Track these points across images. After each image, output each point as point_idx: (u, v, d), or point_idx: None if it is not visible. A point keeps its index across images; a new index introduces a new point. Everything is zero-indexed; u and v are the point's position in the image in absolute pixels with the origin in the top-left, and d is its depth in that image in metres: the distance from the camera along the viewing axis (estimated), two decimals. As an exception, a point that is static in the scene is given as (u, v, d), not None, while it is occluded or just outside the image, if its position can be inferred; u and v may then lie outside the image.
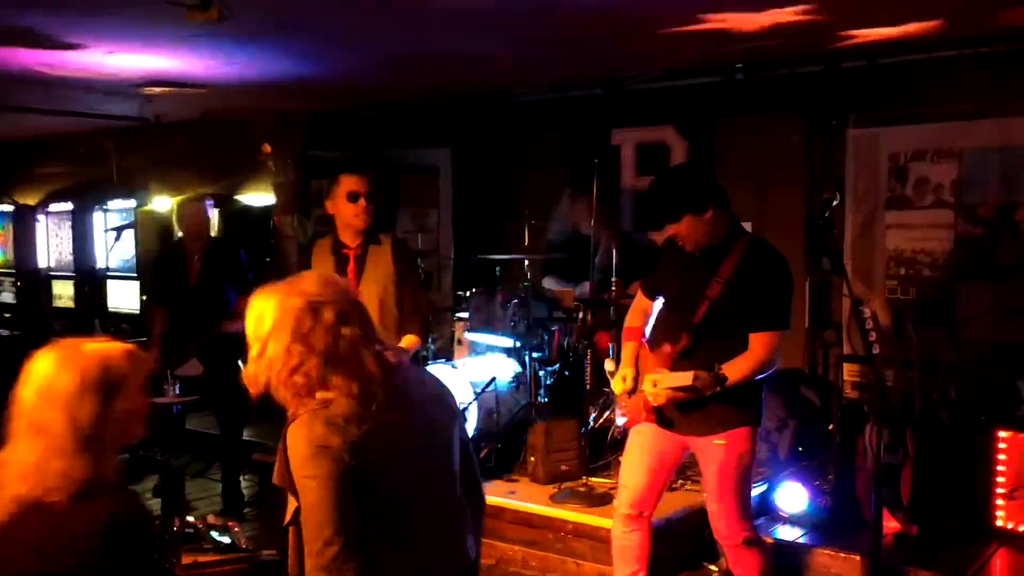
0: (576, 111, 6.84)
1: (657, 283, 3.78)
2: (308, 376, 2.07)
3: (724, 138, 6.29)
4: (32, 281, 9.87)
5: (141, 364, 2.19)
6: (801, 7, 4.33)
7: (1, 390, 2.16)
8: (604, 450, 5.10)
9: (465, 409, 5.13)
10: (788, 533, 4.65)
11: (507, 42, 5.15)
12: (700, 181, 3.57)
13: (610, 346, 5.23)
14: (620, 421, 3.85)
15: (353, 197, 4.23)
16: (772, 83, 5.98)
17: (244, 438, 6.49)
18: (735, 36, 4.85)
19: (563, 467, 4.98)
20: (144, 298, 6.23)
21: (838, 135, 5.82)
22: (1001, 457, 4.64)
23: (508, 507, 4.76)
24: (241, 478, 6.03)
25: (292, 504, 2.11)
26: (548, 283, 6.15)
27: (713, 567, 4.53)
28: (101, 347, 2.14)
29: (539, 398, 5.32)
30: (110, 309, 8.54)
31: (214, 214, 8.43)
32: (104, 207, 9.34)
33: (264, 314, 2.10)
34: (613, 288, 5.34)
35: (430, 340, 5.86)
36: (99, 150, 9.63)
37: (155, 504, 5.53)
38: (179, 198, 6.79)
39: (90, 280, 9.26)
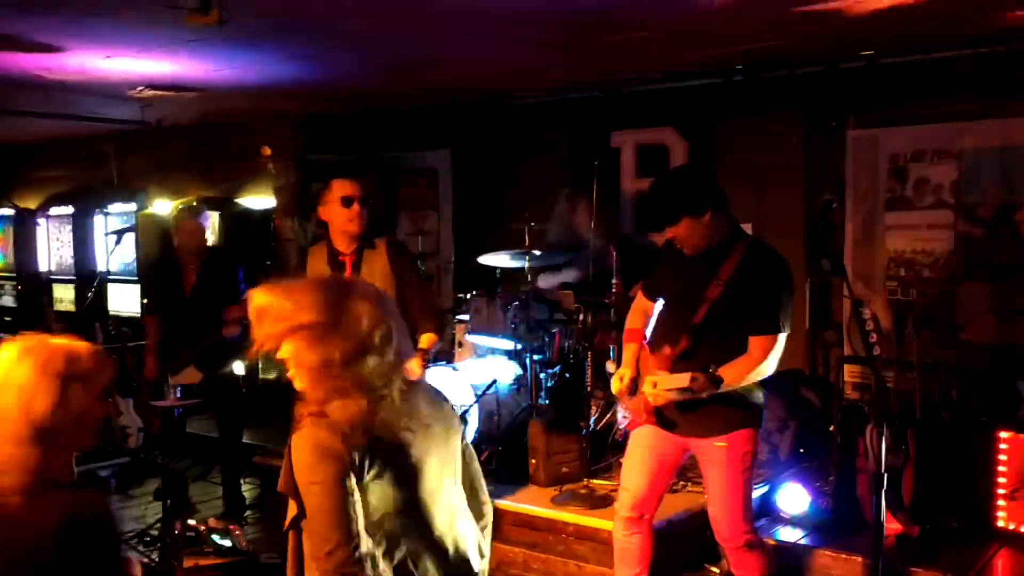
0: (575, 113, 6.85)
1: (657, 284, 3.78)
2: (338, 381, 2.07)
3: (724, 139, 6.29)
4: (33, 285, 9.87)
5: (104, 368, 2.18)
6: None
7: None
8: (605, 452, 5.10)
9: (466, 412, 5.13)
10: (789, 534, 4.65)
11: (507, 45, 5.15)
12: (698, 183, 3.57)
13: (611, 348, 5.23)
14: (623, 424, 3.84)
15: (347, 202, 4.14)
16: (772, 84, 5.98)
17: (244, 441, 6.50)
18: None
19: (564, 469, 4.98)
20: (145, 301, 6.23)
21: (838, 136, 5.82)
22: (1002, 458, 4.64)
23: (509, 509, 4.76)
24: (242, 481, 6.04)
25: (292, 509, 2.11)
26: (543, 282, 6.14)
27: (714, 568, 4.53)
28: (67, 342, 2.15)
29: (540, 400, 5.31)
30: (111, 312, 8.53)
31: (214, 218, 8.45)
32: (104, 210, 9.33)
33: (320, 305, 2.09)
34: (613, 290, 5.34)
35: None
36: (99, 153, 9.64)
37: (157, 508, 5.54)
38: (176, 208, 6.80)
39: (91, 283, 9.27)
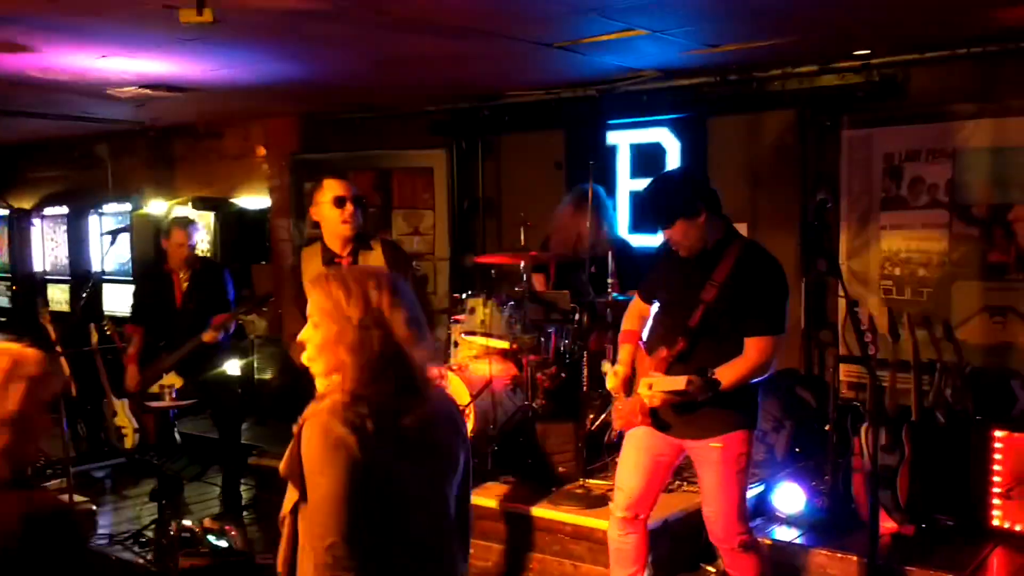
0: (570, 112, 6.84)
1: (653, 287, 3.79)
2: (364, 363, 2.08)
3: (718, 138, 6.30)
4: (28, 285, 9.85)
5: (50, 376, 2.17)
6: None
7: None
8: (601, 452, 5.10)
9: (458, 415, 5.11)
10: (785, 534, 4.65)
11: (500, 44, 5.15)
12: (692, 186, 3.58)
13: (607, 348, 5.23)
14: (617, 425, 3.84)
15: (339, 202, 4.06)
16: (766, 83, 5.98)
17: (241, 442, 6.49)
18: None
19: (560, 469, 4.98)
20: (130, 310, 6.26)
21: (832, 135, 5.83)
22: (997, 457, 4.66)
23: (505, 509, 4.76)
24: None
25: (292, 495, 2.09)
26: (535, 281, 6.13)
27: (711, 568, 4.53)
28: (16, 347, 2.14)
29: (536, 400, 5.31)
30: (106, 313, 8.51)
31: (208, 218, 8.45)
32: (99, 211, 9.32)
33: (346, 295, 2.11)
34: (609, 291, 5.34)
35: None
36: (94, 154, 9.62)
37: (152, 508, 5.54)
38: (167, 214, 6.80)
39: (86, 284, 9.25)
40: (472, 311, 5.56)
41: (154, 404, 5.51)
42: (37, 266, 9.96)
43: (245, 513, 5.85)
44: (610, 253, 5.25)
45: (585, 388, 5.01)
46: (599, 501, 4.62)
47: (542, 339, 5.51)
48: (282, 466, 2.11)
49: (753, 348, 3.43)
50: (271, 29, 4.77)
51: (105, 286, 8.83)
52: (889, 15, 4.62)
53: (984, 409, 5.00)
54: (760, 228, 5.83)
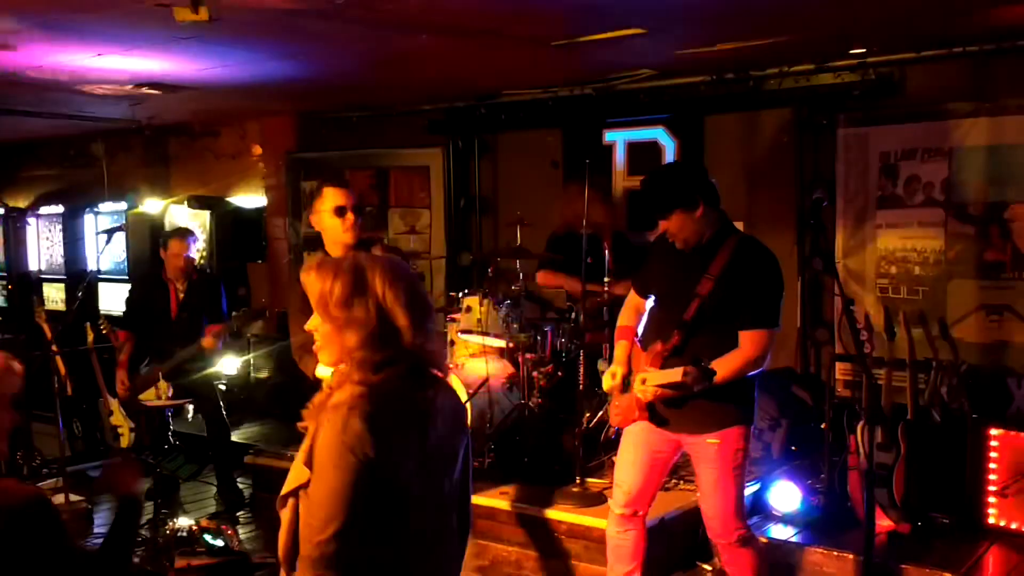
0: (567, 111, 6.84)
1: (648, 280, 3.79)
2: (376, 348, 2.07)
3: (715, 137, 6.30)
4: (23, 284, 9.83)
5: (10, 375, 2.16)
6: None
7: None
8: (598, 450, 5.10)
9: (462, 405, 5.11)
10: (781, 532, 4.66)
11: (497, 42, 5.15)
12: (692, 178, 3.58)
13: (603, 346, 5.23)
14: (614, 422, 3.84)
15: (340, 211, 3.97)
16: (762, 82, 5.99)
17: (237, 440, 6.50)
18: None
19: (557, 467, 4.99)
20: (123, 315, 6.30)
21: (828, 134, 5.83)
22: (992, 455, 4.67)
23: (502, 508, 4.76)
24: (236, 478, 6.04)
25: (299, 476, 2.05)
26: (541, 279, 6.12)
27: (706, 566, 4.54)
28: None
29: (532, 399, 5.31)
30: (101, 312, 8.50)
31: (204, 217, 8.44)
32: (95, 210, 9.31)
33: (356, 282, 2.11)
34: (605, 288, 5.34)
35: None
36: (89, 152, 9.60)
37: (148, 508, 5.52)
38: (165, 230, 6.83)
39: (81, 283, 9.24)
40: (468, 310, 5.56)
41: (148, 403, 5.53)
42: (32, 265, 9.94)
43: (241, 512, 5.85)
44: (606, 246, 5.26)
45: (582, 386, 5.01)
46: (596, 499, 4.62)
47: (538, 337, 5.51)
48: (300, 455, 2.08)
49: (748, 341, 3.43)
50: (267, 27, 4.76)
51: (101, 285, 8.82)
52: (885, 13, 4.62)
53: (980, 407, 5.01)
54: (756, 226, 5.83)
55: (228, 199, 8.73)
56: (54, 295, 9.63)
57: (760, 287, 3.47)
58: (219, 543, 4.70)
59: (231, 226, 8.55)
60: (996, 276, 5.30)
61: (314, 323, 2.15)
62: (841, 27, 4.92)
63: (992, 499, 4.66)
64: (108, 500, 6.06)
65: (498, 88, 6.93)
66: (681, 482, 4.84)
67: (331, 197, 3.98)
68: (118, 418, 5.93)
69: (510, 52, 5.42)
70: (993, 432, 4.67)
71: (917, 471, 4.61)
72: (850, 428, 4.72)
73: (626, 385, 3.65)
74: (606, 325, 5.28)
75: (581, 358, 4.99)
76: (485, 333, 5.46)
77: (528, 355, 5.36)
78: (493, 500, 4.78)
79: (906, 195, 5.58)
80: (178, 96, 6.71)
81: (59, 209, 9.67)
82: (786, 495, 4.80)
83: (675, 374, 3.34)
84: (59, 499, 5.42)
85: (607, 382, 3.68)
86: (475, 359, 5.50)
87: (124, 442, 5.99)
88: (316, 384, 2.24)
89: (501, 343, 5.45)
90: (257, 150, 8.52)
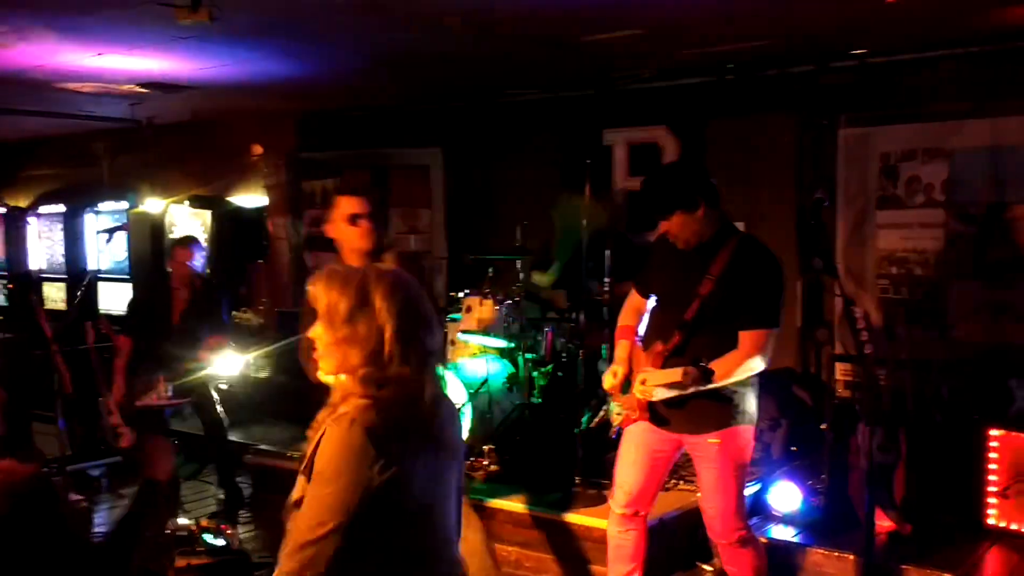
0: (568, 111, 6.84)
1: (649, 280, 3.79)
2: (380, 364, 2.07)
3: (715, 138, 6.30)
4: (24, 283, 9.83)
5: None
6: None
7: None
8: (598, 450, 5.10)
9: (459, 411, 5.11)
10: (782, 532, 4.65)
11: (497, 43, 5.15)
12: (693, 179, 3.57)
13: (603, 347, 5.23)
14: (615, 421, 3.84)
15: (353, 219, 3.96)
16: (763, 83, 5.98)
17: (238, 440, 6.51)
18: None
19: (556, 467, 4.98)
20: (124, 319, 6.30)
21: (829, 135, 5.83)
22: (993, 456, 4.66)
23: (502, 508, 4.76)
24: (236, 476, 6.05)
25: (305, 486, 2.06)
26: (536, 279, 6.14)
27: (707, 566, 4.53)
28: None
29: (532, 399, 5.31)
30: (101, 311, 8.50)
31: (205, 216, 8.44)
32: (95, 209, 9.31)
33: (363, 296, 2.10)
34: (606, 288, 5.34)
35: None
36: (90, 151, 9.60)
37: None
38: (172, 240, 6.86)
39: (82, 282, 9.24)
40: (469, 310, 5.56)
41: (145, 402, 5.52)
42: (33, 264, 9.94)
43: (242, 512, 5.86)
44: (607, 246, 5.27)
45: (581, 387, 5.01)
46: (596, 500, 4.62)
47: (539, 338, 5.52)
48: (304, 463, 2.07)
49: (748, 341, 3.43)
50: (267, 27, 4.77)
51: (101, 284, 8.82)
52: (886, 14, 4.62)
53: (980, 408, 5.00)
54: (757, 227, 5.81)
55: (229, 199, 8.73)
56: (54, 294, 9.64)
57: (760, 287, 3.47)
58: (219, 542, 4.70)
59: (231, 226, 8.54)
60: (996, 277, 5.30)
61: (316, 332, 2.14)
62: (842, 27, 4.92)
63: (993, 500, 4.66)
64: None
65: (499, 87, 6.93)
66: (681, 482, 4.84)
67: (344, 205, 3.98)
68: (117, 418, 5.93)
69: (511, 52, 5.42)
70: (994, 433, 4.67)
71: (917, 472, 4.61)
72: (850, 429, 4.72)
73: (627, 385, 3.65)
74: (606, 325, 5.28)
75: (581, 358, 5.00)
76: (485, 333, 5.47)
77: (528, 355, 5.37)
78: (493, 500, 4.78)
79: (906, 196, 5.58)
80: (178, 96, 6.71)
81: (60, 208, 9.67)
82: (786, 495, 4.79)
83: (675, 374, 3.34)
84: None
85: (607, 381, 3.68)
86: (476, 359, 5.51)
87: (124, 441, 5.99)
88: (317, 385, 2.23)
89: (501, 343, 5.46)
90: (257, 150, 8.52)
